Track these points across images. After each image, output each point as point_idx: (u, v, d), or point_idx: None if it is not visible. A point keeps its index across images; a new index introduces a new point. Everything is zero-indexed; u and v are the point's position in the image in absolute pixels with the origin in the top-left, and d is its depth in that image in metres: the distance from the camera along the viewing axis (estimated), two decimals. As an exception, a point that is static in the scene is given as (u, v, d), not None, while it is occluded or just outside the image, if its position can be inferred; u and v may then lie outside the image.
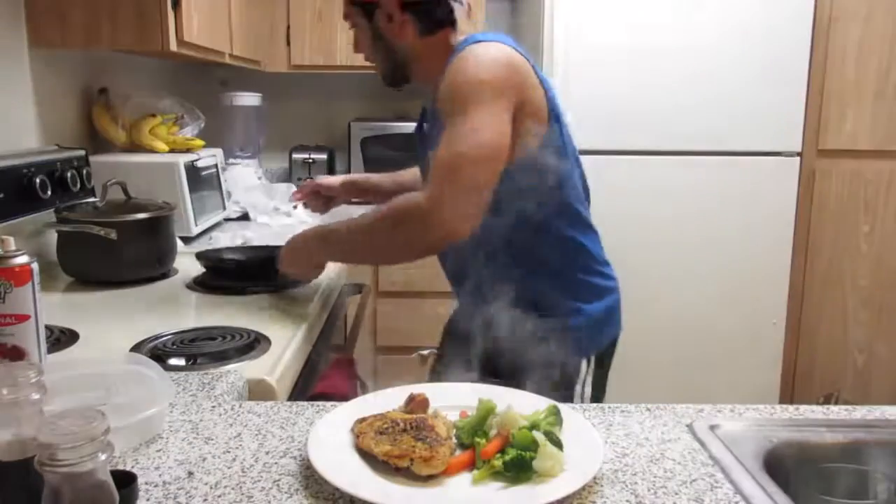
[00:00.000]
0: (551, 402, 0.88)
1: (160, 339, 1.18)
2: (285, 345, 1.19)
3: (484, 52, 1.26)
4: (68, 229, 1.50)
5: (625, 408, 0.95)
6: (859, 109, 2.57)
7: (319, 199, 1.73)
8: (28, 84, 1.75)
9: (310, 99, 3.15)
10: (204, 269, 1.59)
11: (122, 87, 2.16)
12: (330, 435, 0.82)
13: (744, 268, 2.56)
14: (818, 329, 2.70)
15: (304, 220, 2.36)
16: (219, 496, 0.73)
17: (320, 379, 1.31)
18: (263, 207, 2.55)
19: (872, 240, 2.64)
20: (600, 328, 1.40)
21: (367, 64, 1.48)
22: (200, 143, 2.23)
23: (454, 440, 0.82)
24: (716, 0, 2.44)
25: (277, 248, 1.67)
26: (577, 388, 1.36)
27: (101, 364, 0.95)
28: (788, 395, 2.71)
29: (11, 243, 0.91)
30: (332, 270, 1.70)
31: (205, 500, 0.72)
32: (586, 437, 0.82)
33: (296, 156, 2.96)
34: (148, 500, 0.72)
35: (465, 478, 0.77)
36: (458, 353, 1.34)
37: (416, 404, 0.88)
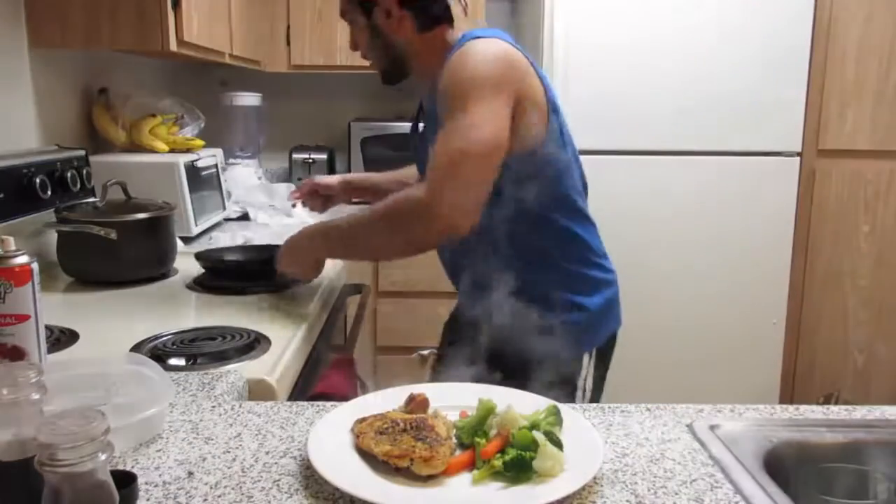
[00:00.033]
0: (551, 402, 0.88)
1: (160, 339, 1.18)
2: (285, 345, 1.19)
3: (482, 47, 1.27)
4: (68, 229, 1.50)
5: (625, 408, 0.95)
6: (859, 109, 2.57)
7: (318, 199, 1.73)
8: (28, 84, 1.75)
9: (310, 99, 3.15)
10: (204, 270, 1.59)
11: (122, 87, 2.16)
12: (330, 435, 0.82)
13: (744, 268, 2.56)
14: (818, 329, 2.70)
15: (304, 219, 2.36)
16: (219, 496, 0.73)
17: (320, 379, 1.31)
18: (263, 207, 2.55)
19: (872, 240, 2.64)
20: (601, 322, 1.41)
21: (367, 64, 1.48)
22: (200, 143, 2.23)
23: (454, 440, 0.82)
24: (716, 0, 2.44)
25: (277, 247, 1.67)
26: (580, 382, 1.37)
27: (101, 364, 0.95)
28: (788, 395, 2.71)
29: (11, 243, 0.91)
30: (332, 270, 1.70)
31: (205, 500, 0.72)
32: (586, 437, 0.82)
33: (296, 156, 2.96)
34: (148, 500, 0.72)
35: (465, 478, 0.77)
36: (458, 348, 1.34)
37: (416, 404, 0.88)
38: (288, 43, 2.77)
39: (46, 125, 1.82)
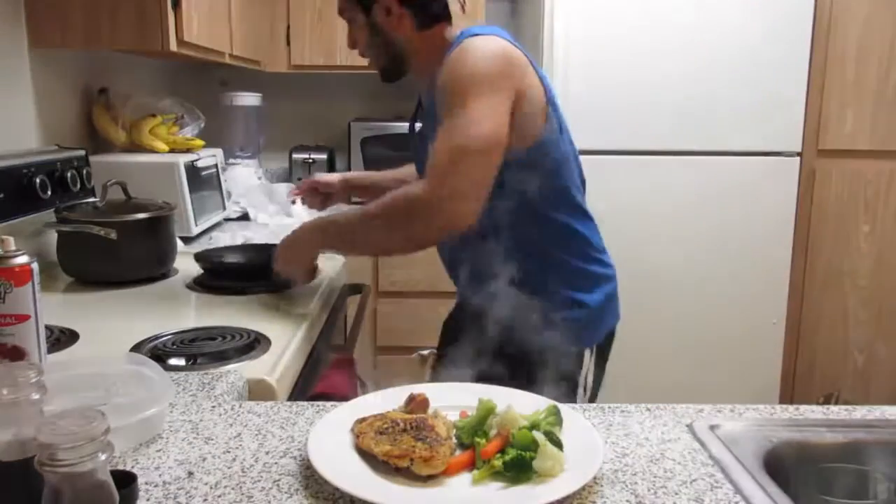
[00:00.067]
0: (551, 402, 0.88)
1: (160, 339, 1.18)
2: (285, 345, 1.19)
3: (481, 44, 1.27)
4: (68, 229, 1.50)
5: (625, 408, 0.95)
6: (859, 109, 2.57)
7: (317, 196, 1.73)
8: (28, 84, 1.75)
9: (310, 99, 3.15)
10: (203, 270, 1.59)
11: (122, 87, 2.16)
12: (330, 435, 0.82)
13: (744, 268, 2.56)
14: (818, 329, 2.70)
15: (303, 217, 2.35)
16: (219, 496, 0.73)
17: (320, 379, 1.31)
18: (263, 207, 2.55)
19: (872, 240, 2.64)
20: (600, 319, 1.42)
21: (367, 63, 1.48)
22: (200, 143, 2.23)
23: (454, 440, 0.82)
24: (716, 0, 2.44)
25: (276, 247, 1.66)
26: (581, 378, 1.38)
27: (101, 364, 0.95)
28: (788, 395, 2.71)
29: (11, 243, 0.91)
30: (332, 270, 1.70)
31: (205, 500, 0.72)
32: (586, 437, 0.82)
33: (296, 156, 2.96)
34: (148, 500, 0.72)
35: (465, 478, 0.77)
36: (458, 347, 1.34)
37: (416, 404, 0.88)
38: (288, 43, 2.77)
39: (46, 125, 1.82)
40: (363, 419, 0.84)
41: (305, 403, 0.96)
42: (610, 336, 1.46)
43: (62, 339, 1.18)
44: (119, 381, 0.90)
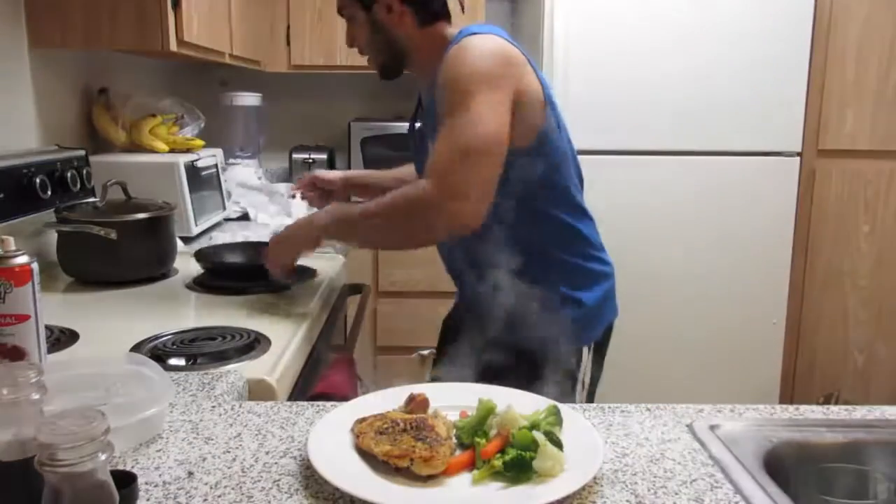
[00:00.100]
0: (551, 402, 0.88)
1: (160, 339, 1.18)
2: (285, 345, 1.19)
3: (479, 43, 1.27)
4: (68, 229, 1.50)
5: (625, 408, 0.95)
6: (859, 109, 2.57)
7: (317, 193, 1.73)
8: (28, 84, 1.75)
9: (310, 99, 3.15)
10: (203, 270, 1.59)
11: (122, 87, 2.16)
12: (330, 435, 0.82)
13: (744, 268, 2.56)
14: (818, 329, 2.70)
15: (303, 214, 2.36)
16: (219, 496, 0.73)
17: (320, 379, 1.31)
18: (263, 207, 2.55)
19: (872, 240, 2.64)
20: (598, 316, 1.43)
21: (366, 61, 1.49)
22: (200, 143, 2.23)
23: (454, 440, 0.82)
24: (716, 0, 2.44)
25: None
26: (580, 375, 1.38)
27: (101, 364, 0.95)
28: (788, 395, 2.72)
29: (11, 243, 0.91)
30: (332, 270, 1.70)
31: (205, 500, 0.72)
32: (586, 437, 0.82)
33: (296, 156, 2.96)
34: (148, 500, 0.72)
35: (465, 478, 0.77)
36: (456, 345, 1.35)
37: (416, 404, 0.88)
38: (288, 43, 2.77)
39: (46, 125, 1.82)
40: (363, 419, 0.84)
41: (305, 403, 0.96)
42: (608, 333, 1.47)
43: (62, 339, 1.18)
44: (119, 381, 0.90)
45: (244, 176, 2.62)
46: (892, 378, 2.69)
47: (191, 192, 2.05)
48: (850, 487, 0.90)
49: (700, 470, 0.80)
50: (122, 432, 0.78)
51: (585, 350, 1.39)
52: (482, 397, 0.85)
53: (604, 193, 2.30)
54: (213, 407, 0.94)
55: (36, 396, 0.65)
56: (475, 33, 1.29)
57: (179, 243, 1.73)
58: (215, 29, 2.03)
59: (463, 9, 1.47)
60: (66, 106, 1.97)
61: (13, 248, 0.91)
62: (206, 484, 0.75)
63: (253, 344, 1.17)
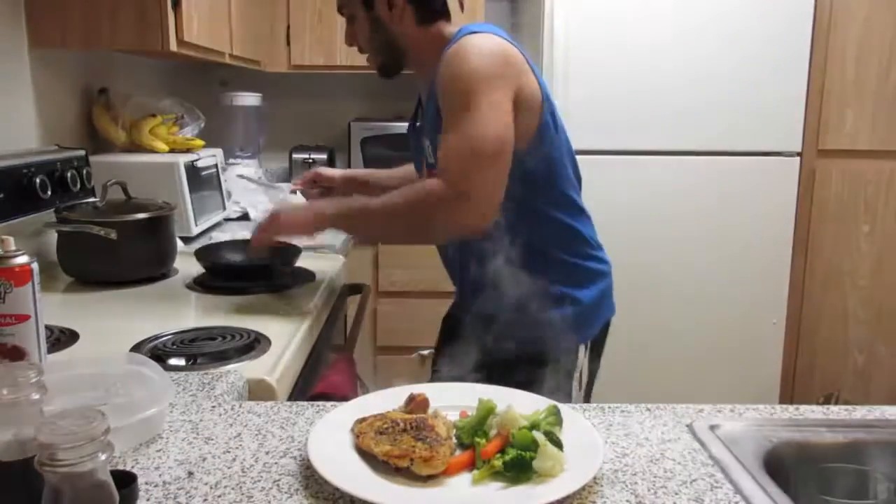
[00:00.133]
0: (551, 402, 0.88)
1: (160, 339, 1.18)
2: (285, 345, 1.19)
3: (479, 42, 1.28)
4: (68, 229, 1.50)
5: (625, 408, 0.95)
6: (859, 109, 2.57)
7: (318, 190, 1.73)
8: (28, 84, 1.75)
9: (310, 99, 3.15)
10: (204, 269, 1.59)
11: (122, 87, 2.16)
12: (330, 435, 0.82)
13: (743, 268, 2.56)
14: (818, 329, 2.70)
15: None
16: (219, 496, 0.73)
17: (320, 379, 1.31)
18: (263, 207, 2.55)
19: (872, 240, 2.64)
20: (594, 314, 1.43)
21: (367, 64, 1.49)
22: (200, 143, 2.23)
23: (454, 440, 0.82)
24: (716, 1, 2.44)
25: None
26: (576, 373, 1.39)
27: (101, 364, 0.95)
28: (788, 395, 2.71)
29: (11, 243, 0.91)
30: (332, 270, 1.70)
31: (205, 500, 0.72)
32: (586, 437, 0.82)
33: (296, 156, 2.96)
34: (148, 500, 0.72)
35: (465, 478, 0.77)
36: (455, 343, 1.35)
37: (416, 404, 0.88)
38: (288, 43, 2.77)
39: (46, 125, 1.82)
40: (363, 419, 0.84)
41: (305, 403, 0.96)
42: (604, 330, 1.47)
43: (62, 339, 1.18)
44: (119, 381, 0.90)
45: (243, 179, 2.62)
46: (892, 378, 2.69)
47: (191, 192, 2.05)
48: (850, 487, 0.90)
49: (700, 470, 0.80)
50: (122, 432, 0.78)
51: (582, 348, 1.40)
52: (482, 397, 0.85)
53: (604, 193, 2.31)
54: (213, 407, 0.94)
55: (36, 396, 0.65)
56: (474, 32, 1.30)
57: (179, 243, 1.73)
58: (215, 29, 2.03)
59: (462, 8, 1.47)
60: (66, 106, 1.97)
61: (13, 248, 0.91)
62: (206, 484, 0.75)
63: (253, 344, 1.17)
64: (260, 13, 2.62)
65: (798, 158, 2.55)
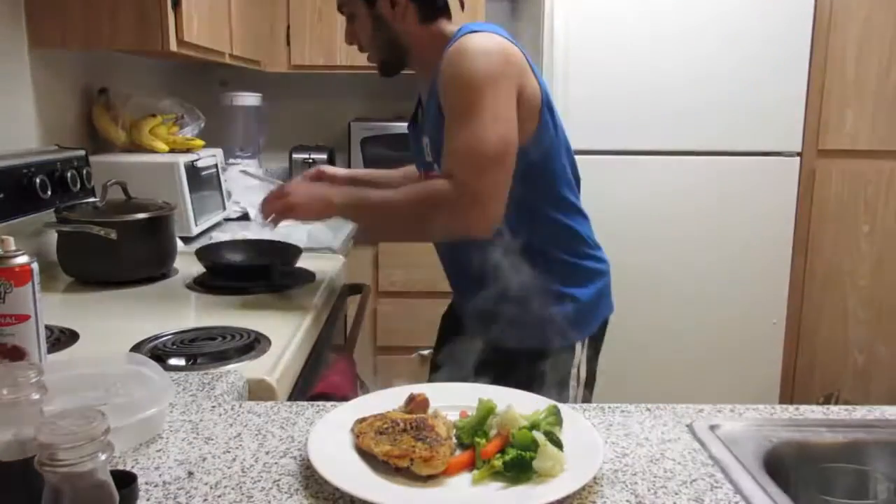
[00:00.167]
0: (551, 402, 0.88)
1: (160, 339, 1.18)
2: (285, 345, 1.19)
3: (480, 41, 1.28)
4: (68, 229, 1.50)
5: (625, 408, 0.95)
6: (859, 109, 2.57)
7: None
8: (28, 84, 1.75)
9: (310, 99, 3.15)
10: (204, 269, 1.59)
11: (122, 87, 2.16)
12: (330, 435, 0.82)
13: (744, 268, 2.56)
14: (818, 329, 2.70)
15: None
16: (219, 496, 0.73)
17: (320, 379, 1.31)
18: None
19: (872, 240, 2.64)
20: (592, 312, 1.44)
21: (367, 64, 1.49)
22: (200, 143, 2.23)
23: (454, 440, 0.82)
24: (716, 0, 2.44)
25: (277, 244, 1.66)
26: (574, 370, 1.40)
27: (101, 364, 0.95)
28: (788, 395, 2.71)
29: (11, 243, 0.91)
30: (332, 270, 1.70)
31: (205, 500, 0.72)
32: (586, 437, 0.82)
33: (296, 156, 2.96)
34: (148, 500, 0.72)
35: (465, 478, 0.77)
36: (454, 341, 1.35)
37: (416, 404, 0.88)
38: (288, 43, 2.77)
39: (46, 125, 1.82)
40: (363, 419, 0.84)
41: (305, 403, 0.96)
42: (602, 328, 1.48)
43: (62, 339, 1.18)
44: (119, 381, 0.90)
45: (243, 178, 2.62)
46: (892, 378, 2.69)
47: (191, 192, 2.05)
48: (850, 487, 0.90)
49: (700, 470, 0.80)
50: (122, 432, 0.78)
51: (579, 345, 1.41)
52: (482, 397, 0.85)
53: (604, 193, 2.31)
54: (213, 407, 0.94)
55: (36, 396, 0.65)
56: (475, 31, 1.30)
57: (179, 243, 1.73)
58: (215, 29, 2.03)
59: (463, 6, 1.48)
60: (66, 106, 1.97)
61: (13, 248, 0.91)
62: (206, 484, 0.75)
63: (253, 344, 1.17)
64: (260, 13, 2.62)
65: (798, 158, 2.55)
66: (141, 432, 0.84)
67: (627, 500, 0.73)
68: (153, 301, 1.46)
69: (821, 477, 0.90)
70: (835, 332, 2.69)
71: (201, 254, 1.60)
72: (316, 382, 1.29)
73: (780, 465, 0.84)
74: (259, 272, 1.56)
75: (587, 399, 1.44)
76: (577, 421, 0.85)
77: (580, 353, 1.40)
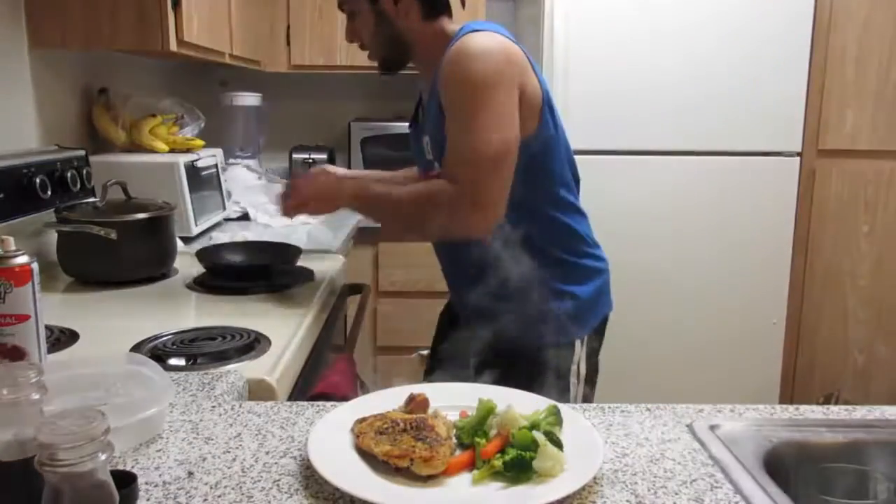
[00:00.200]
0: (551, 402, 0.88)
1: (160, 339, 1.18)
2: (285, 345, 1.19)
3: (481, 41, 1.28)
4: (68, 229, 1.50)
5: (625, 408, 0.95)
6: (859, 109, 2.57)
7: None
8: (28, 84, 1.75)
9: (310, 99, 3.15)
10: (204, 269, 1.59)
11: (122, 87, 2.16)
12: (330, 435, 0.82)
13: (743, 268, 2.56)
14: (818, 329, 2.70)
15: (306, 219, 2.36)
16: (219, 496, 0.73)
17: (320, 379, 1.31)
18: (263, 207, 2.55)
19: (872, 240, 2.64)
20: (591, 310, 1.44)
21: (367, 64, 1.49)
22: (200, 143, 2.23)
23: (454, 440, 0.82)
24: (716, 0, 2.44)
25: (277, 245, 1.67)
26: (573, 367, 1.40)
27: (101, 364, 0.95)
28: (788, 395, 2.71)
29: (11, 243, 0.91)
30: (332, 270, 1.70)
31: (205, 500, 0.72)
32: (586, 437, 0.82)
33: (296, 156, 2.96)
34: (148, 500, 0.72)
35: (465, 478, 0.77)
36: (452, 340, 1.36)
37: (416, 404, 0.88)
38: (288, 43, 2.77)
39: (46, 125, 1.82)
40: (363, 419, 0.84)
41: (305, 403, 0.96)
42: (602, 326, 1.48)
43: (62, 339, 1.18)
44: (119, 381, 0.90)
45: (244, 177, 2.62)
46: (892, 378, 2.69)
47: (191, 192, 2.05)
48: (850, 487, 0.90)
49: (700, 470, 0.80)
50: (122, 432, 0.78)
51: (578, 343, 1.41)
52: (482, 397, 0.85)
53: (603, 193, 2.31)
54: (213, 407, 0.94)
55: (36, 396, 0.65)
56: (476, 30, 1.30)
57: (179, 243, 1.73)
58: (215, 29, 2.03)
59: (464, 5, 1.48)
60: (66, 106, 1.97)
61: (13, 248, 0.91)
62: (206, 484, 0.75)
63: (253, 344, 1.17)
64: (260, 13, 2.62)
65: (798, 158, 2.55)
66: (141, 432, 0.84)
67: (627, 500, 0.73)
68: (153, 301, 1.46)
69: (821, 477, 0.90)
70: (835, 332, 2.69)
71: (201, 255, 1.60)
72: (316, 382, 1.29)
73: (780, 465, 0.84)
74: (259, 272, 1.56)
75: (589, 396, 1.44)
76: (576, 421, 0.85)
77: (580, 349, 1.41)
